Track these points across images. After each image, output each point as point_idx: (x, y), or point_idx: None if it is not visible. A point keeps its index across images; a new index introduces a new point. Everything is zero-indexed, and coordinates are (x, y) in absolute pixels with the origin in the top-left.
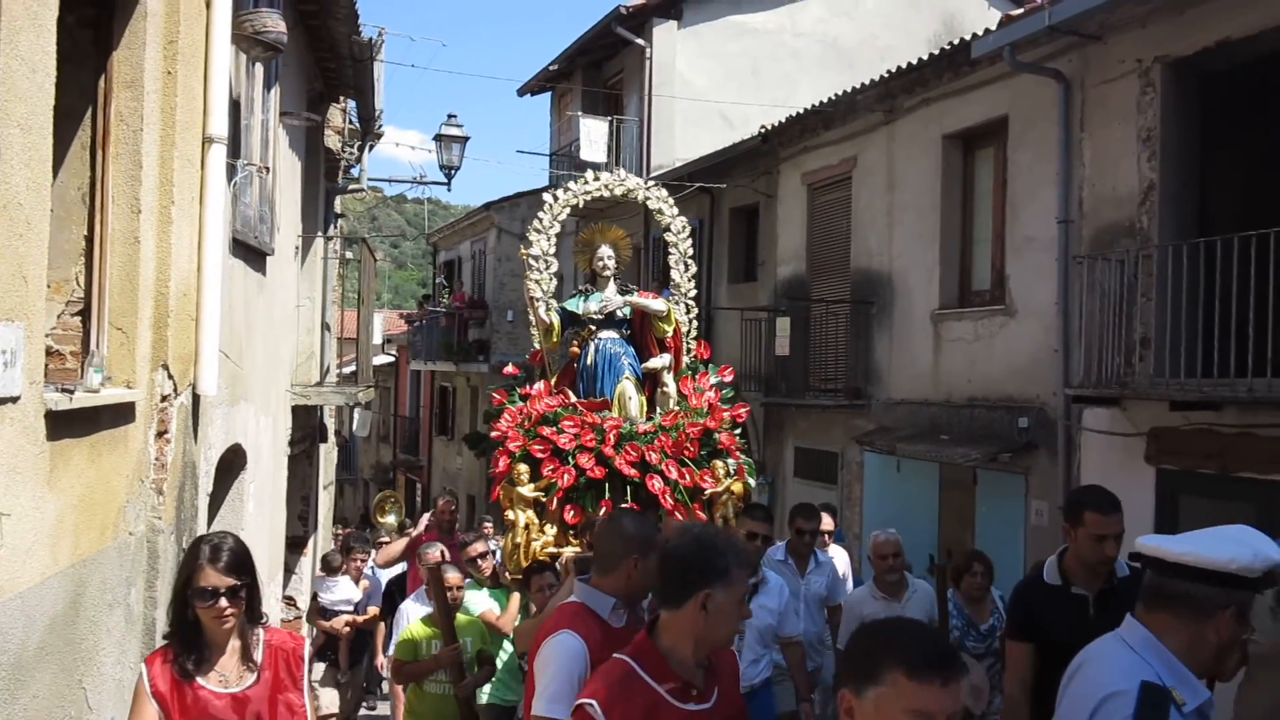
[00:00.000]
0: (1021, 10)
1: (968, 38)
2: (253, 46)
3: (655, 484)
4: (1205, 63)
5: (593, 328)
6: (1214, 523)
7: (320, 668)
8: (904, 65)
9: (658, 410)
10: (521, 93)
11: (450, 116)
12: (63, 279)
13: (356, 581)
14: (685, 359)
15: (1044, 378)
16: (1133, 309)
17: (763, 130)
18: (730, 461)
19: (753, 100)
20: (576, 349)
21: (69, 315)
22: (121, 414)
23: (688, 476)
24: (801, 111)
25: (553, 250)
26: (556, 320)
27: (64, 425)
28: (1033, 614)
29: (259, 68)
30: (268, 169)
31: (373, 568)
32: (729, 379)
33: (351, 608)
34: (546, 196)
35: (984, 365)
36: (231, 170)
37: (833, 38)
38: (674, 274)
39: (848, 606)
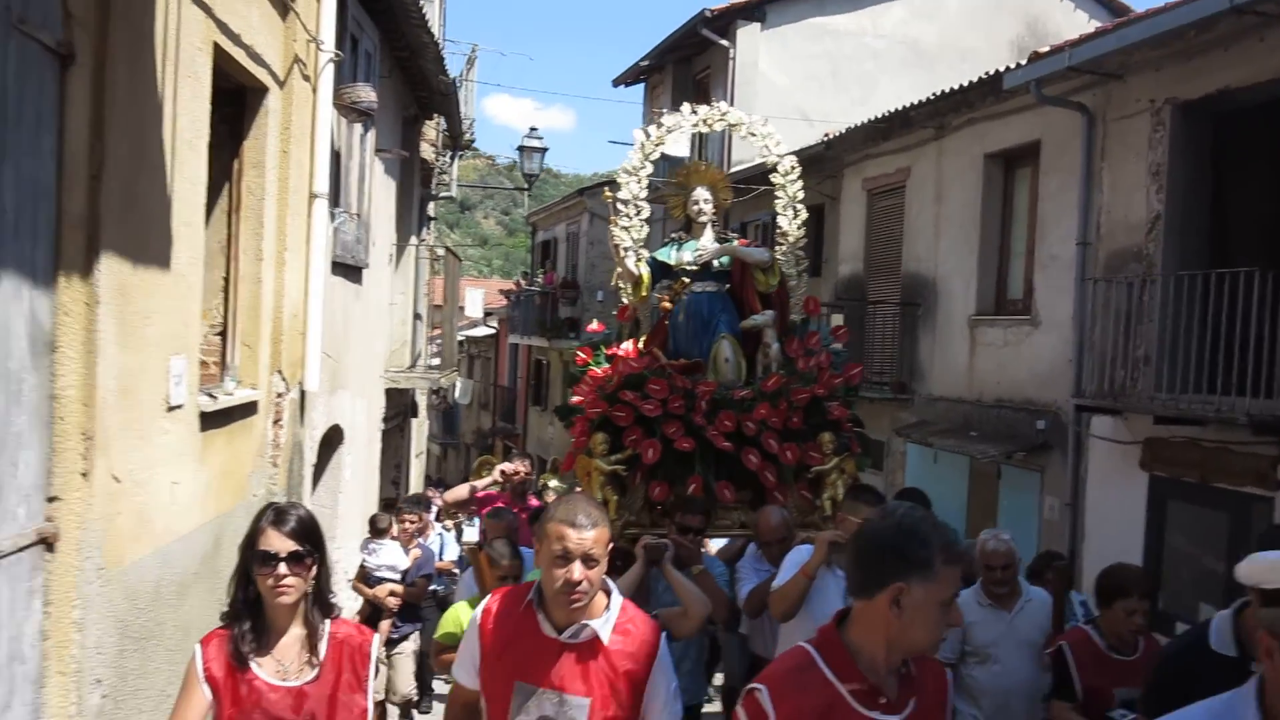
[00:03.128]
0: (1069, 40)
1: (1051, 40)
2: (350, 113)
3: (753, 459)
4: (1213, 106)
5: (686, 280)
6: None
7: None
8: (951, 88)
9: (758, 374)
10: (616, 84)
11: (532, 129)
12: (207, 309)
13: (407, 548)
14: (793, 316)
15: (1060, 385)
16: (1136, 328)
17: (827, 137)
18: (842, 435)
19: (832, 100)
20: (669, 304)
21: (212, 335)
22: (248, 409)
23: (790, 453)
24: (863, 122)
25: (643, 194)
26: (646, 272)
27: (210, 420)
28: (1190, 694)
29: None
30: (360, 216)
31: (441, 534)
32: (843, 339)
33: (397, 576)
34: (637, 133)
35: (1011, 369)
36: (332, 215)
37: (914, 39)
38: (781, 220)
39: None
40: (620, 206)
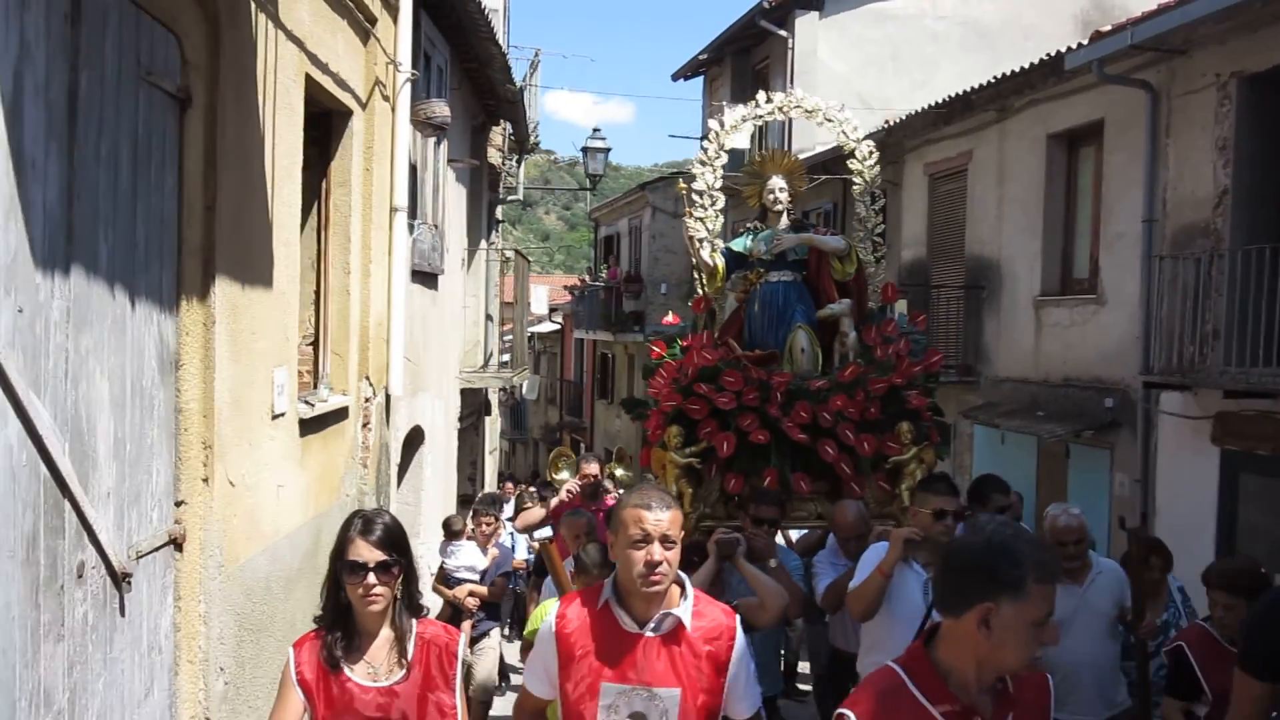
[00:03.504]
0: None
1: (1116, 13)
2: (426, 128)
3: (829, 450)
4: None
5: (762, 270)
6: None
7: None
8: (1012, 70)
9: (835, 364)
10: (675, 78)
11: (595, 130)
12: (301, 321)
13: (485, 548)
14: (870, 305)
15: (1128, 363)
16: (1205, 304)
17: (886, 124)
18: (921, 425)
19: (893, 85)
20: (743, 294)
21: (305, 345)
22: (340, 414)
23: (867, 444)
24: (924, 108)
25: (718, 184)
26: (721, 262)
27: (308, 426)
28: (1274, 644)
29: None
30: (436, 226)
31: (512, 533)
32: (922, 327)
33: (476, 576)
34: (713, 123)
35: (1078, 349)
36: (411, 227)
37: (974, 19)
38: (858, 206)
39: None
40: (695, 197)
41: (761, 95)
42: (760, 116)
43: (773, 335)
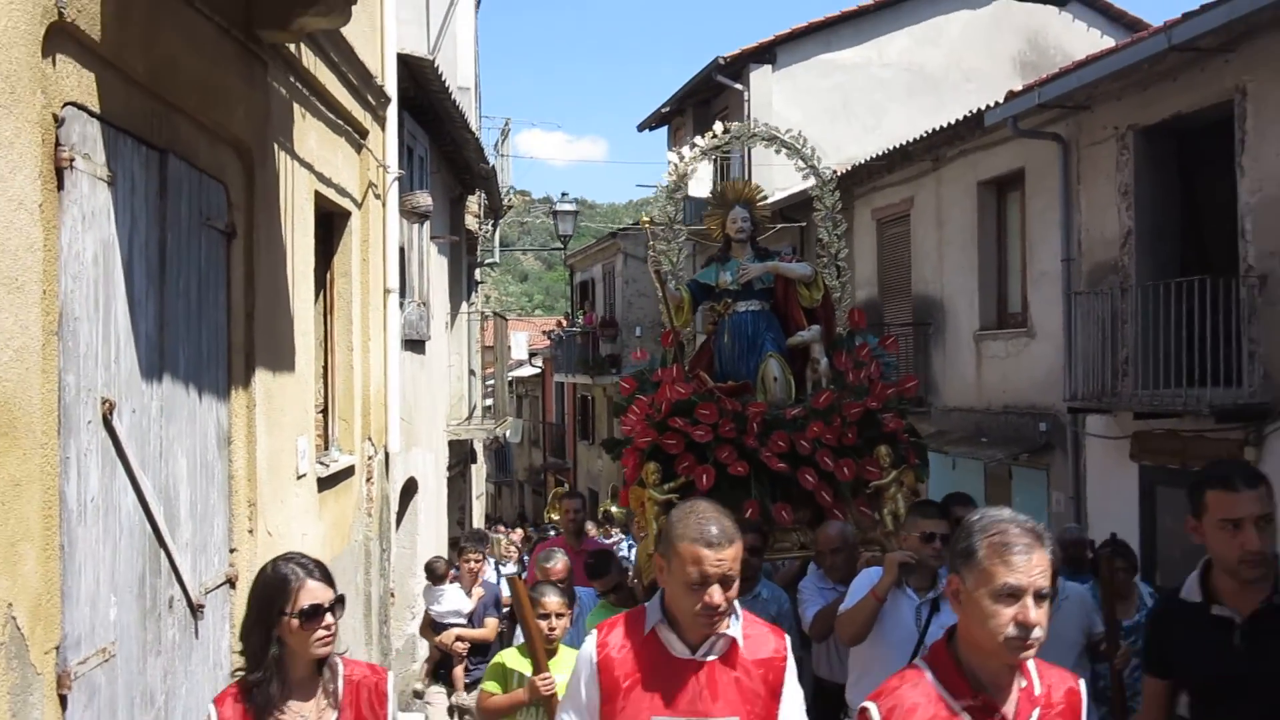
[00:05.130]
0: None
1: (1053, 53)
2: (412, 216)
3: (809, 478)
4: (1172, 128)
5: (729, 300)
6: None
7: (437, 691)
8: (942, 125)
9: (808, 391)
10: (641, 128)
11: (563, 194)
12: (313, 393)
13: (470, 589)
14: (838, 330)
15: (1056, 390)
16: (1118, 334)
17: (835, 173)
18: (899, 447)
19: (845, 130)
20: (712, 326)
21: (316, 413)
22: (348, 472)
23: (846, 469)
24: (867, 159)
25: (679, 216)
26: (687, 295)
27: (324, 484)
28: (1166, 642)
29: None
30: (424, 303)
31: (498, 568)
32: (893, 349)
33: (463, 620)
34: (672, 155)
35: (1014, 378)
36: (402, 305)
37: (918, 65)
38: (821, 231)
39: None
40: (658, 230)
41: (719, 125)
42: (720, 147)
43: (744, 365)
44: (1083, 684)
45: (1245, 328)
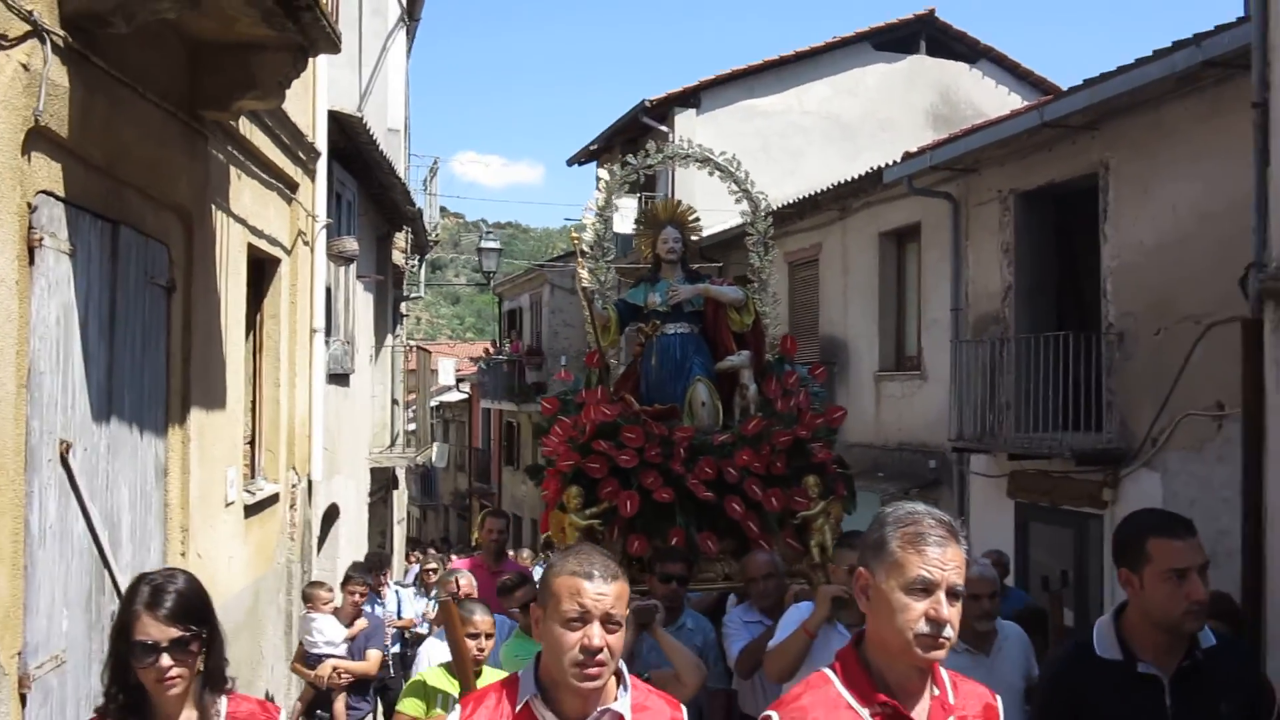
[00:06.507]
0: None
1: (963, 105)
2: (339, 260)
3: (736, 507)
4: (1048, 194)
5: (658, 322)
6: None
7: None
8: (848, 178)
9: (735, 417)
10: (570, 163)
11: (487, 232)
12: (242, 424)
13: (351, 620)
14: (768, 356)
15: (944, 430)
16: (998, 380)
17: (764, 197)
18: (828, 478)
19: (765, 173)
20: (639, 347)
21: (244, 445)
22: (273, 499)
23: (774, 499)
24: (779, 207)
25: (608, 236)
26: (615, 315)
27: (250, 510)
28: (1081, 704)
29: None
30: (349, 343)
31: (397, 591)
32: (821, 378)
33: (339, 651)
34: (601, 172)
35: (908, 417)
36: (327, 343)
37: (836, 114)
38: (752, 257)
39: None
40: (586, 249)
41: (651, 145)
42: (651, 166)
43: (671, 389)
44: (999, 700)
45: (1105, 379)
